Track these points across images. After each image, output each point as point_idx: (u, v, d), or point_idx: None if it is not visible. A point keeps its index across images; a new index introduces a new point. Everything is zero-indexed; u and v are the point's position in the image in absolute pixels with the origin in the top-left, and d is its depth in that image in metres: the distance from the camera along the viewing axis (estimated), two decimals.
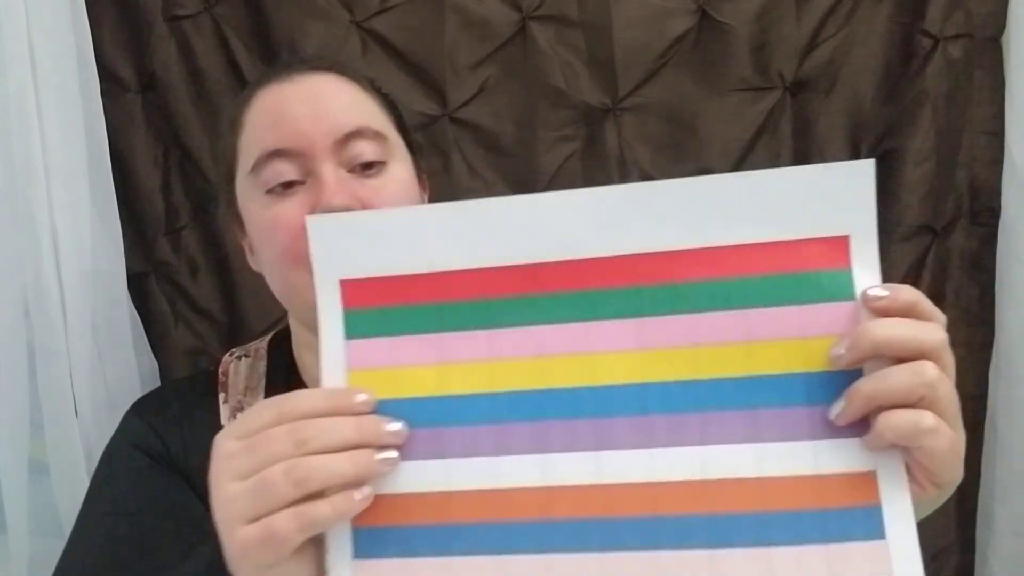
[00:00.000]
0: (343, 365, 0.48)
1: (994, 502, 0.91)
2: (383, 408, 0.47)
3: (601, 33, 0.91)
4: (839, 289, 0.45)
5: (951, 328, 1.04)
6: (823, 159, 0.93)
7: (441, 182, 0.94)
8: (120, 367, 0.89)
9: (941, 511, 0.94)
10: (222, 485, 0.45)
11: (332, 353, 0.49)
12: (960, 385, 0.96)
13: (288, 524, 0.43)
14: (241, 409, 0.71)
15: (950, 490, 0.47)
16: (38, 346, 0.83)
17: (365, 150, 0.65)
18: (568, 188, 1.03)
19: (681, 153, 0.94)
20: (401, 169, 0.68)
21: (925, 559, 1.04)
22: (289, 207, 0.64)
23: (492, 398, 0.47)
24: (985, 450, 0.92)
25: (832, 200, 0.45)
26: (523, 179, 0.95)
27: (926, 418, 0.42)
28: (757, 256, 0.45)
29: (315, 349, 0.69)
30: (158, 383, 0.94)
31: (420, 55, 0.93)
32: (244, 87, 0.94)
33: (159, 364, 0.95)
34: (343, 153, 0.65)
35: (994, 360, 0.91)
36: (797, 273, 0.45)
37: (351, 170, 0.65)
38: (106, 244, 0.88)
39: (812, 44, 0.91)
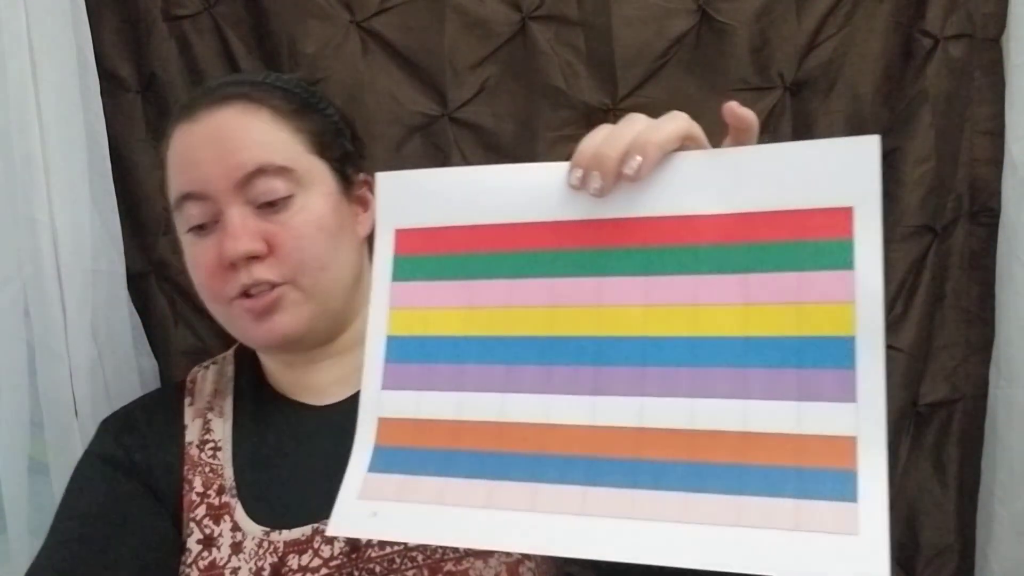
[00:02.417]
0: (386, 304, 0.55)
1: (994, 502, 0.91)
2: (414, 344, 0.54)
3: (601, 33, 0.91)
4: (839, 258, 0.46)
5: (951, 328, 1.04)
6: None
7: None
8: (120, 367, 0.89)
9: (941, 511, 0.95)
10: None
11: (380, 293, 0.55)
12: (960, 385, 0.96)
13: None
14: (211, 409, 0.74)
15: (749, 134, 0.52)
16: (38, 346, 0.84)
17: (269, 188, 0.67)
18: None
19: None
20: (312, 199, 0.69)
21: (925, 559, 1.03)
22: (204, 249, 0.68)
23: (507, 341, 0.52)
24: (985, 450, 0.92)
25: (839, 172, 0.46)
26: None
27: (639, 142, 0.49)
28: (763, 223, 0.48)
29: (270, 357, 0.75)
30: (158, 383, 0.94)
31: (420, 55, 0.93)
32: None
33: (159, 364, 0.95)
34: (248, 191, 0.67)
35: (994, 360, 0.91)
36: (800, 241, 0.47)
37: (259, 205, 0.67)
38: (106, 244, 0.88)
39: (812, 44, 0.91)
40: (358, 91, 0.92)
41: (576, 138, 0.93)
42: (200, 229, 0.68)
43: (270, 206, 0.67)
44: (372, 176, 0.78)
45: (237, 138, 0.67)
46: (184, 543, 0.67)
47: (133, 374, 0.91)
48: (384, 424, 0.53)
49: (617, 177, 0.49)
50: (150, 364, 0.94)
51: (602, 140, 0.50)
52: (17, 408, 0.83)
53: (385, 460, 0.52)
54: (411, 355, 0.54)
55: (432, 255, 0.54)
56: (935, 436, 0.94)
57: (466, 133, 0.94)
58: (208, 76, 0.93)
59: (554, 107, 0.93)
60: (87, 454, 0.73)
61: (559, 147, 0.94)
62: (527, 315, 0.52)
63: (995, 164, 0.90)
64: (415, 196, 0.55)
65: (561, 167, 0.52)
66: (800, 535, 0.43)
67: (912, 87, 0.91)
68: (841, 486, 0.44)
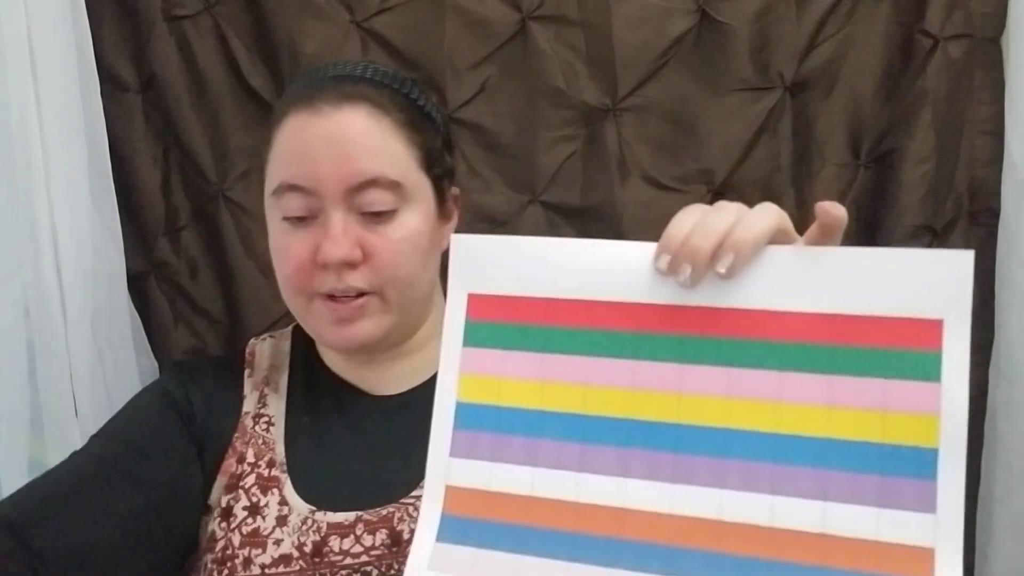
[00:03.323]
0: (457, 368, 0.54)
1: (994, 502, 0.91)
2: (485, 412, 0.52)
3: (601, 33, 0.91)
4: (926, 370, 0.46)
5: None
6: (823, 159, 0.93)
7: None
8: (120, 367, 0.89)
9: None
10: None
11: (450, 356, 0.54)
12: None
13: None
14: (267, 383, 0.76)
15: (837, 231, 0.51)
16: (38, 346, 0.84)
17: (377, 199, 0.67)
18: (568, 188, 1.02)
19: (681, 153, 0.94)
20: (412, 216, 0.69)
21: None
22: (298, 241, 0.68)
23: (583, 419, 0.51)
24: (985, 450, 0.92)
25: (931, 284, 0.47)
26: (523, 179, 0.95)
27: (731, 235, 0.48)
28: (851, 327, 0.48)
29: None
30: None
31: (420, 55, 0.93)
32: (244, 87, 0.94)
33: (159, 364, 0.95)
34: (355, 199, 0.67)
35: (994, 360, 0.91)
36: (888, 349, 0.47)
37: (362, 213, 0.68)
38: (106, 244, 0.88)
39: (812, 44, 0.91)
40: None
41: (576, 138, 0.94)
42: (298, 221, 0.68)
43: (374, 216, 0.68)
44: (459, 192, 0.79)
45: (358, 144, 0.67)
46: (229, 508, 0.69)
47: (133, 374, 0.91)
48: (452, 492, 0.52)
49: (708, 270, 0.49)
50: (150, 364, 0.94)
51: (693, 229, 0.49)
52: (17, 408, 0.83)
53: (455, 530, 0.52)
54: (482, 424, 0.53)
55: (506, 323, 0.54)
56: None
57: (466, 133, 0.94)
58: (208, 76, 0.94)
59: (554, 107, 0.93)
60: (147, 387, 0.76)
61: (559, 147, 0.94)
62: (605, 395, 0.51)
63: (995, 164, 0.90)
64: (490, 261, 0.54)
65: (646, 248, 0.51)
66: None
67: (912, 87, 0.91)
68: None
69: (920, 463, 0.45)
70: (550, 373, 0.52)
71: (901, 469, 0.46)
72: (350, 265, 0.67)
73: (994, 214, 0.91)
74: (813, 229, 0.52)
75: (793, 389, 0.48)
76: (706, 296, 0.50)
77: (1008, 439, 0.89)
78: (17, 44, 0.79)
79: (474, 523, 0.51)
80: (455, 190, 0.77)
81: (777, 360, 0.48)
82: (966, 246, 0.93)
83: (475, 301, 0.54)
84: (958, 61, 0.90)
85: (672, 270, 0.50)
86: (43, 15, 0.81)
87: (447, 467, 0.53)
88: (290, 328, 0.80)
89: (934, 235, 0.92)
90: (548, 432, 0.51)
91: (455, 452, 0.53)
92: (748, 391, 0.49)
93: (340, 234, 0.66)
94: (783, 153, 0.94)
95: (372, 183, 0.67)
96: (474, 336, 0.54)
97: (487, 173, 0.95)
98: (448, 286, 0.55)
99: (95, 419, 0.82)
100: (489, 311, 0.54)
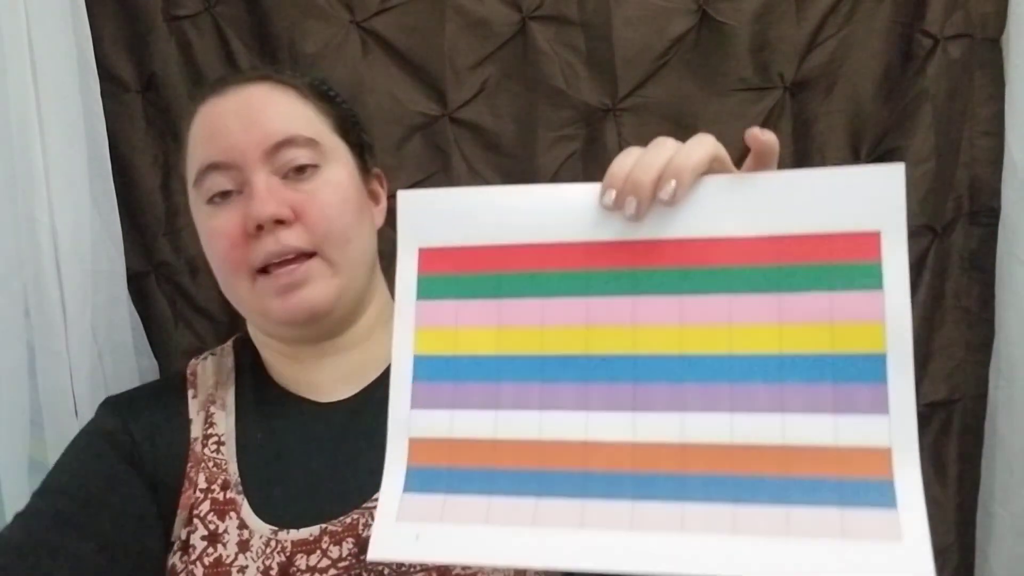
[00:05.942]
0: (412, 323, 0.54)
1: (994, 502, 0.91)
2: (443, 363, 0.53)
3: (601, 33, 0.91)
4: (868, 280, 0.48)
5: (951, 328, 1.04)
6: (823, 159, 0.93)
7: (441, 182, 0.94)
8: (120, 367, 0.89)
9: (941, 511, 0.95)
10: None
11: (404, 312, 0.54)
12: (960, 385, 0.96)
13: None
14: (213, 402, 0.73)
15: (771, 158, 0.53)
16: (38, 346, 0.84)
17: (296, 156, 0.68)
18: None
19: None
20: (337, 172, 0.70)
21: None
22: (226, 217, 0.68)
23: (542, 359, 0.52)
24: (985, 450, 0.92)
25: (866, 198, 0.48)
26: (523, 179, 0.94)
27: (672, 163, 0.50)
28: (794, 246, 0.49)
29: (273, 347, 0.74)
30: None
31: (420, 55, 0.93)
32: None
33: (159, 364, 0.95)
34: (275, 161, 0.68)
35: (994, 360, 0.91)
36: (831, 263, 0.49)
37: (285, 176, 0.68)
38: (106, 244, 0.88)
39: (812, 44, 0.91)
40: (358, 91, 0.92)
41: (576, 138, 0.94)
42: (223, 198, 0.68)
43: (297, 173, 0.68)
44: (383, 171, 0.79)
45: (267, 109, 0.69)
46: (187, 540, 0.67)
47: (133, 374, 0.91)
48: (416, 444, 0.53)
49: (652, 201, 0.50)
50: (150, 364, 0.94)
51: (634, 163, 0.51)
52: (17, 408, 0.83)
53: (421, 480, 0.52)
54: (441, 374, 0.53)
55: (458, 274, 0.54)
56: (935, 436, 0.94)
57: (466, 133, 0.94)
58: (208, 76, 0.94)
59: (554, 107, 0.93)
60: (83, 430, 0.72)
61: (559, 147, 0.94)
62: (561, 334, 0.52)
63: (995, 164, 0.90)
64: (438, 215, 0.55)
65: (590, 188, 0.52)
66: (848, 542, 0.45)
67: (912, 87, 0.91)
68: (881, 495, 0.46)
69: (870, 368, 0.47)
70: (505, 318, 0.53)
71: (853, 376, 0.47)
72: (282, 224, 0.66)
73: (994, 214, 0.91)
74: (749, 159, 0.54)
75: (743, 311, 0.49)
76: (652, 229, 0.51)
77: (1008, 439, 0.89)
78: (17, 44, 0.79)
79: (440, 471, 0.52)
80: (377, 171, 0.78)
81: (726, 284, 0.50)
82: (966, 246, 0.93)
83: (426, 255, 0.55)
84: (958, 61, 0.90)
85: (618, 205, 0.51)
86: (43, 15, 0.81)
87: (408, 420, 0.53)
88: (230, 343, 0.78)
89: (935, 235, 0.92)
90: (507, 376, 0.52)
91: (416, 404, 0.53)
92: (700, 317, 0.50)
93: (265, 193, 0.66)
94: (783, 153, 0.93)
95: (288, 142, 0.67)
96: (427, 290, 0.54)
97: (487, 173, 0.95)
98: (398, 243, 0.55)
99: None
100: (440, 264, 0.54)
